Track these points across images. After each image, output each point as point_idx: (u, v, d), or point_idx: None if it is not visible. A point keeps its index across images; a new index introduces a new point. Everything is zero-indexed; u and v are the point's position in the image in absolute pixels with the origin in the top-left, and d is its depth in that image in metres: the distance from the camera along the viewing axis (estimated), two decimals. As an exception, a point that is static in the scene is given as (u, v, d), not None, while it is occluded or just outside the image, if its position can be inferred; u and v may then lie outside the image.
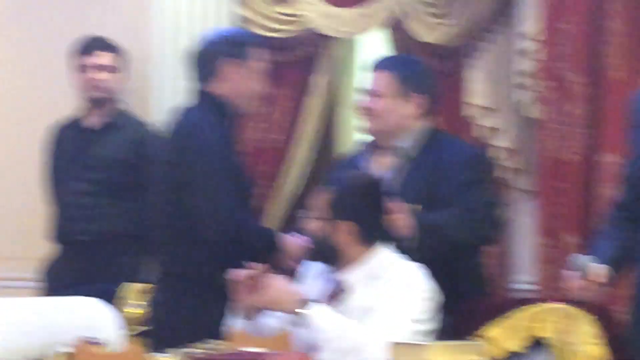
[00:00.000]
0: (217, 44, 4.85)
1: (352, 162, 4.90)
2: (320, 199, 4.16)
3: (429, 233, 4.46)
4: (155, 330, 4.66)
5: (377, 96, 4.75)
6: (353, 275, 4.07)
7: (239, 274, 4.01)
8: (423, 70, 4.93)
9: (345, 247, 4.07)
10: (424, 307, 3.96)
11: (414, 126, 4.76)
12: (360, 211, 4.09)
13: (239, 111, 4.89)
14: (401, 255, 4.14)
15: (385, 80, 4.77)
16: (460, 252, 4.64)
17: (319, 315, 3.89)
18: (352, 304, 4.01)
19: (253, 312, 4.04)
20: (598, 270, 3.95)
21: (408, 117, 4.75)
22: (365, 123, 4.81)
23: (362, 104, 4.80)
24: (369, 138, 4.87)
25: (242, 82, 4.81)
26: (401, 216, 4.38)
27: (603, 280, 3.98)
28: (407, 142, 4.73)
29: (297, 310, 3.90)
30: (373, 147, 4.84)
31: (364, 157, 4.84)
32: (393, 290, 3.97)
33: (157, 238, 4.85)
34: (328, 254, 4.12)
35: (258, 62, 4.89)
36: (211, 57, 4.81)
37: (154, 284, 4.98)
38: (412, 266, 4.08)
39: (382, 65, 4.87)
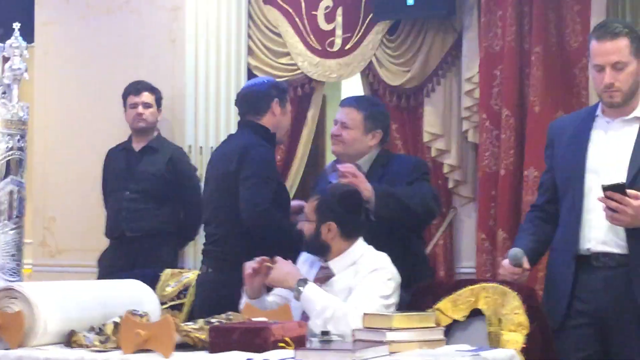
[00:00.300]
0: (270, 89, 4.86)
1: (325, 175, 4.88)
2: (309, 206, 4.14)
3: (385, 197, 4.42)
4: (197, 303, 4.65)
5: (346, 127, 4.69)
6: (336, 264, 4.06)
7: (250, 264, 4.01)
8: (381, 111, 4.84)
9: (330, 242, 4.07)
10: (388, 285, 3.94)
11: (369, 152, 4.70)
12: (339, 214, 4.07)
13: (276, 140, 4.92)
14: (371, 246, 4.12)
15: (354, 115, 4.69)
16: (412, 224, 4.58)
17: (310, 291, 3.88)
18: (336, 285, 3.99)
19: (260, 292, 4.04)
20: (523, 260, 3.96)
21: (368, 146, 4.69)
22: (335, 146, 4.74)
23: (334, 131, 4.73)
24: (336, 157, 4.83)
25: (281, 119, 4.85)
26: (361, 180, 4.39)
27: (527, 267, 3.99)
28: (362, 161, 4.67)
29: (294, 286, 3.90)
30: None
31: (331, 172, 4.77)
32: (366, 273, 3.95)
33: (211, 235, 4.83)
34: (317, 248, 4.10)
35: (289, 105, 4.94)
36: (266, 97, 4.82)
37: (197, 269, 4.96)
38: (380, 255, 4.06)
39: (353, 103, 4.80)
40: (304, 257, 4.22)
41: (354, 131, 4.68)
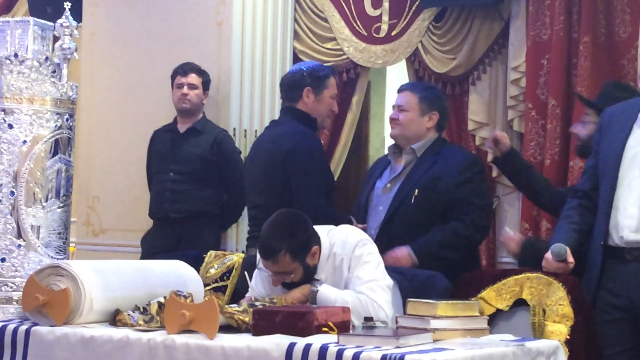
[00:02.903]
0: (304, 77, 4.93)
1: (382, 161, 5.03)
2: (279, 267, 3.84)
3: (425, 259, 4.52)
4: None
5: (403, 110, 4.80)
6: (318, 270, 3.93)
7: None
8: (436, 94, 4.97)
9: (317, 262, 3.91)
10: (373, 252, 3.91)
11: (426, 135, 4.81)
12: (308, 239, 3.88)
13: (318, 125, 4.99)
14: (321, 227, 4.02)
15: (409, 98, 4.82)
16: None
17: (325, 290, 3.82)
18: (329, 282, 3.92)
19: None
20: (567, 254, 3.95)
21: (423, 128, 4.80)
22: (393, 130, 4.86)
23: (392, 115, 4.86)
24: (394, 141, 4.90)
25: (316, 106, 4.90)
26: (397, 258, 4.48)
27: (571, 260, 3.97)
28: (417, 146, 4.79)
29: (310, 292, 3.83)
30: (396, 149, 4.89)
31: (389, 156, 4.92)
32: (349, 257, 3.89)
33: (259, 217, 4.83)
34: (312, 277, 3.92)
35: (330, 91, 4.95)
36: (298, 85, 4.91)
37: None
38: (343, 232, 3.98)
39: (408, 87, 4.96)
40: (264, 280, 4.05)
41: (410, 113, 4.79)
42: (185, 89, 6.00)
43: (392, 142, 4.94)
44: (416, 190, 4.66)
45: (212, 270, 4.69)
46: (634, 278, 3.88)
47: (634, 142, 3.94)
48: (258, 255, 3.97)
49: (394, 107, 4.88)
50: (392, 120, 4.84)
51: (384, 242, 4.55)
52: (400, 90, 4.93)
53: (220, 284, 4.66)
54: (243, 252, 5.74)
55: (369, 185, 4.91)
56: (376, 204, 4.81)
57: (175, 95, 6.04)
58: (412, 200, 4.65)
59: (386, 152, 5.07)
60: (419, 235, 4.58)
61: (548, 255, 4.01)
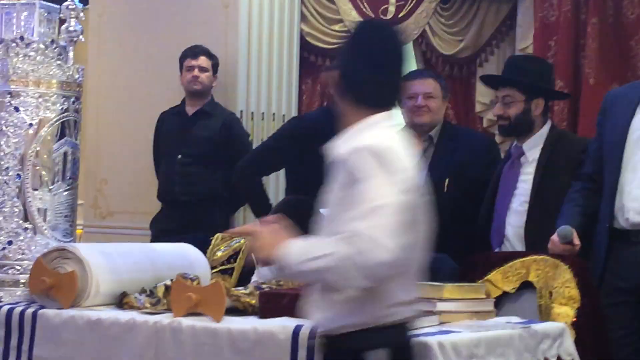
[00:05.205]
0: None
1: None
2: None
3: None
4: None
5: (431, 97, 4.73)
6: None
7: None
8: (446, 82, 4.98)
9: None
10: None
11: (440, 121, 4.80)
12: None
13: None
14: None
15: (435, 85, 4.76)
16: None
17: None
18: None
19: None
20: (574, 236, 3.95)
21: (442, 114, 4.81)
22: (421, 117, 4.73)
23: (420, 103, 4.72)
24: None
25: None
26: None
27: (577, 243, 3.96)
28: (434, 132, 4.76)
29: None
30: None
31: None
32: None
33: None
34: None
35: None
36: None
37: None
38: None
39: (431, 74, 4.94)
40: None
41: (437, 100, 4.75)
42: (196, 72, 5.98)
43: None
44: (447, 180, 4.63)
45: (219, 253, 4.67)
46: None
47: (637, 125, 3.93)
48: None
49: (414, 94, 4.71)
50: (419, 107, 4.70)
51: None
52: (422, 77, 4.82)
53: (227, 266, 4.65)
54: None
55: None
56: None
57: (185, 77, 6.01)
58: (445, 190, 4.60)
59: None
60: (454, 225, 4.37)
61: (554, 237, 4.01)
